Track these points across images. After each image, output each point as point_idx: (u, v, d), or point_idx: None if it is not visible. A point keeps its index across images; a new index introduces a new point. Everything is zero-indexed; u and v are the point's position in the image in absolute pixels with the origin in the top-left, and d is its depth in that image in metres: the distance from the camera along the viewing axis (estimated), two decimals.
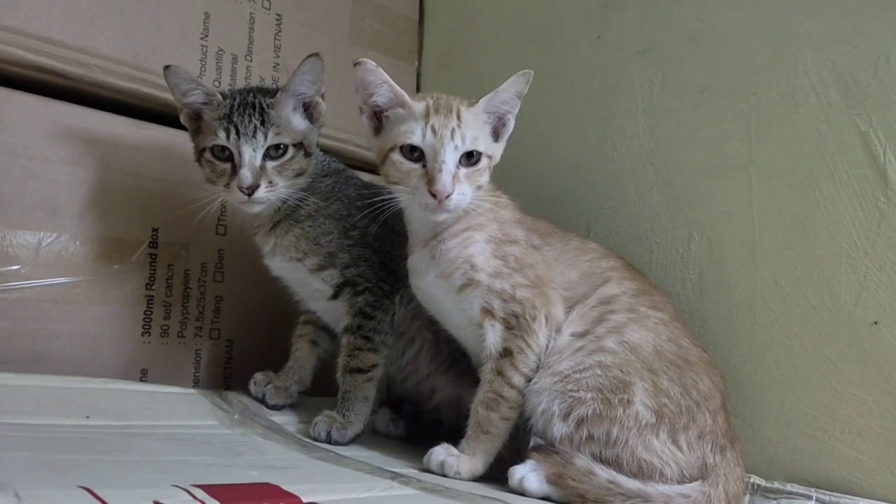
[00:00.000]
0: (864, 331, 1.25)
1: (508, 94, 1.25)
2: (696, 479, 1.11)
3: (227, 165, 1.28)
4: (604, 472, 1.10)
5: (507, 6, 1.90)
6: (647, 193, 1.56)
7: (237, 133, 1.25)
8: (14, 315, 1.26)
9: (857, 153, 1.29)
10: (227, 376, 1.56)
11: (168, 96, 1.44)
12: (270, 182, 1.27)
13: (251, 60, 1.63)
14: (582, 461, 1.12)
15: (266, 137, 1.27)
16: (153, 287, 1.44)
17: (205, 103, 1.30)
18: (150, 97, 1.46)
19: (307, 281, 1.40)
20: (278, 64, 1.69)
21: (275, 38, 1.68)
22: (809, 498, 1.23)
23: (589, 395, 1.15)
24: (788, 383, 1.33)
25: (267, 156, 1.28)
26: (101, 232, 1.37)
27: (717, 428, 1.15)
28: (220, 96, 1.29)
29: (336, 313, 1.41)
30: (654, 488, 1.08)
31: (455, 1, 2.05)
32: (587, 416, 1.14)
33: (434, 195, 1.17)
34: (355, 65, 1.22)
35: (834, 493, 1.22)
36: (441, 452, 1.21)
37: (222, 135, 1.26)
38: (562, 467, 1.12)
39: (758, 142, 1.41)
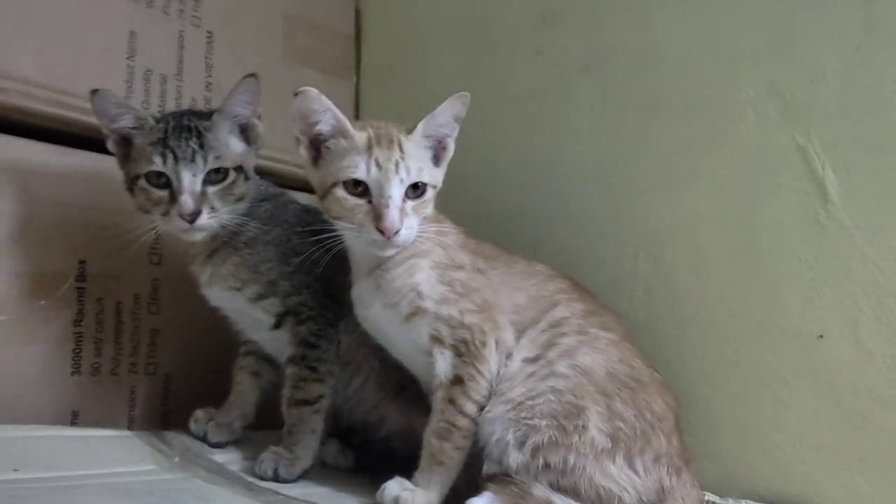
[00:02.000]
0: (810, 344, 1.26)
1: (445, 117, 1.22)
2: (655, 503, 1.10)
3: (165, 192, 1.21)
4: (562, 502, 1.08)
5: (447, 22, 1.88)
6: (593, 211, 1.55)
7: (175, 158, 1.19)
8: None
9: (797, 167, 1.30)
10: (165, 413, 1.48)
11: (94, 120, 1.37)
12: (212, 208, 1.22)
13: (182, 80, 1.56)
14: (540, 491, 1.09)
15: (206, 161, 1.21)
16: (82, 323, 1.36)
17: (135, 128, 1.23)
18: (73, 122, 1.38)
19: (247, 311, 1.34)
20: (210, 83, 1.62)
21: (206, 57, 1.62)
22: None
23: (544, 423, 1.12)
24: (739, 398, 1.33)
25: (207, 181, 1.23)
26: (25, 266, 1.29)
27: (672, 449, 1.14)
28: (152, 120, 1.23)
29: (279, 343, 1.36)
30: None
31: (393, 16, 2.02)
32: (543, 443, 1.11)
33: (382, 232, 1.14)
34: (296, 94, 1.17)
35: None
36: (394, 487, 1.16)
37: (158, 160, 1.20)
38: (519, 498, 1.09)
39: (701, 157, 1.41)
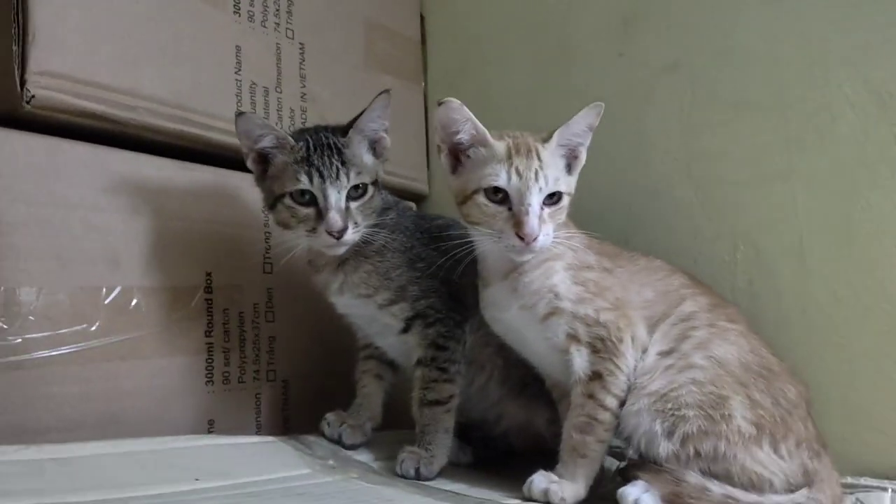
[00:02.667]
0: None
1: (580, 126, 1.26)
2: (802, 487, 1.15)
3: (311, 210, 1.25)
4: (718, 488, 1.13)
5: (517, 26, 1.91)
6: (687, 207, 1.61)
7: (321, 176, 1.23)
8: (87, 377, 1.19)
9: None
10: (285, 419, 1.52)
11: (212, 136, 1.41)
12: (356, 223, 1.25)
13: (281, 92, 1.59)
14: (695, 478, 1.14)
15: (349, 178, 1.25)
16: (212, 334, 1.39)
17: (276, 147, 1.26)
18: (193, 137, 1.40)
19: (376, 317, 1.37)
20: (305, 94, 1.65)
21: (300, 68, 1.64)
22: (885, 490, 1.30)
23: (691, 413, 1.17)
24: (849, 382, 1.39)
25: (349, 196, 1.26)
26: (161, 281, 1.31)
27: (810, 434, 1.20)
28: (291, 139, 1.25)
29: (404, 348, 1.40)
30: (769, 499, 1.12)
31: (457, 21, 2.05)
32: (692, 433, 1.16)
33: (522, 238, 1.18)
34: (439, 104, 1.21)
35: None
36: (541, 480, 1.21)
37: (304, 179, 1.23)
38: (675, 485, 1.14)
39: (797, 153, 1.48)
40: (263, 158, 1.28)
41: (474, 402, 1.46)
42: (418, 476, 1.28)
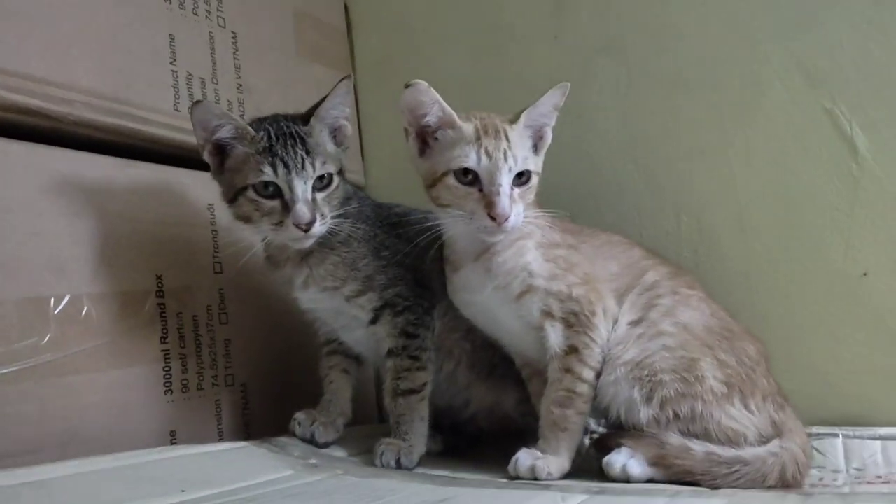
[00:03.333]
0: (855, 282, 1.43)
1: (546, 107, 1.28)
2: (773, 438, 1.21)
3: (276, 202, 1.19)
4: (699, 446, 1.17)
5: (448, 12, 1.91)
6: (629, 183, 1.66)
7: (286, 167, 1.18)
8: (42, 395, 1.09)
9: (826, 129, 1.46)
10: (246, 423, 1.45)
11: (151, 130, 1.33)
12: (322, 214, 1.21)
13: (217, 83, 1.51)
14: (676, 439, 1.18)
15: (314, 168, 1.20)
16: (167, 340, 1.31)
17: (234, 137, 1.20)
18: (132, 132, 1.32)
19: (343, 309, 1.33)
20: (241, 85, 1.58)
21: (234, 58, 1.57)
22: (836, 436, 1.39)
23: (667, 377, 1.21)
24: (793, 338, 1.48)
25: (314, 187, 1.21)
26: (111, 287, 1.22)
27: (772, 388, 1.27)
28: (251, 129, 1.20)
29: (372, 340, 1.36)
30: (748, 452, 1.17)
31: (382, 9, 2.02)
32: (670, 396, 1.20)
33: (494, 218, 1.18)
34: (407, 87, 1.19)
35: (855, 428, 1.39)
36: (527, 457, 1.22)
37: (268, 170, 1.17)
38: (659, 448, 1.18)
39: (732, 127, 1.56)
40: (220, 150, 1.21)
41: (443, 388, 1.45)
42: (399, 467, 1.26)
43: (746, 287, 1.53)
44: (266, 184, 1.19)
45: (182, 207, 1.38)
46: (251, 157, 1.19)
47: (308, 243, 1.23)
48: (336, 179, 1.25)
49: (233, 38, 1.57)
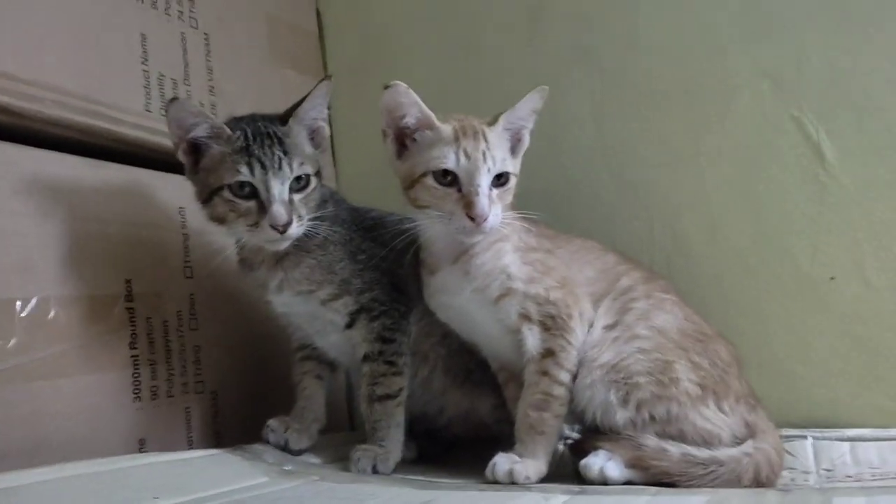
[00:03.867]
0: (823, 286, 1.46)
1: (525, 110, 1.28)
2: (746, 438, 1.23)
3: (252, 203, 1.17)
4: (675, 448, 1.17)
5: (421, 17, 1.91)
6: (602, 190, 1.67)
7: (262, 166, 1.16)
8: (7, 400, 1.05)
9: (794, 136, 1.50)
10: (216, 432, 1.42)
11: (122, 131, 1.31)
12: (300, 216, 1.19)
13: (189, 85, 1.49)
14: (652, 441, 1.18)
15: (291, 169, 1.18)
16: (136, 346, 1.27)
17: (210, 136, 1.18)
18: (102, 132, 1.29)
19: (318, 314, 1.32)
20: (213, 87, 1.56)
21: (206, 59, 1.55)
22: (805, 438, 1.41)
23: (643, 380, 1.21)
24: (763, 341, 1.51)
25: (291, 188, 1.20)
26: (78, 290, 1.19)
27: (744, 390, 1.28)
28: (227, 128, 1.18)
29: (347, 345, 1.35)
30: (722, 453, 1.17)
31: (355, 14, 2.02)
32: (646, 398, 1.20)
33: (473, 219, 1.18)
34: (386, 88, 1.19)
35: (823, 430, 1.41)
36: (504, 461, 1.21)
37: (245, 170, 1.15)
38: (636, 450, 1.18)
39: (702, 135, 1.58)
40: (195, 149, 1.19)
41: (417, 394, 1.43)
42: (375, 473, 1.24)
43: (718, 292, 1.55)
44: (242, 184, 1.17)
45: (152, 210, 1.35)
46: (227, 157, 1.17)
47: (284, 245, 1.21)
48: (314, 181, 1.23)
49: (205, 39, 1.55)
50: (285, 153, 1.18)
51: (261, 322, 1.48)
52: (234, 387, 1.46)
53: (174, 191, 1.39)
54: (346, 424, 1.77)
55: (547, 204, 1.69)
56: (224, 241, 1.27)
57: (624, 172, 1.65)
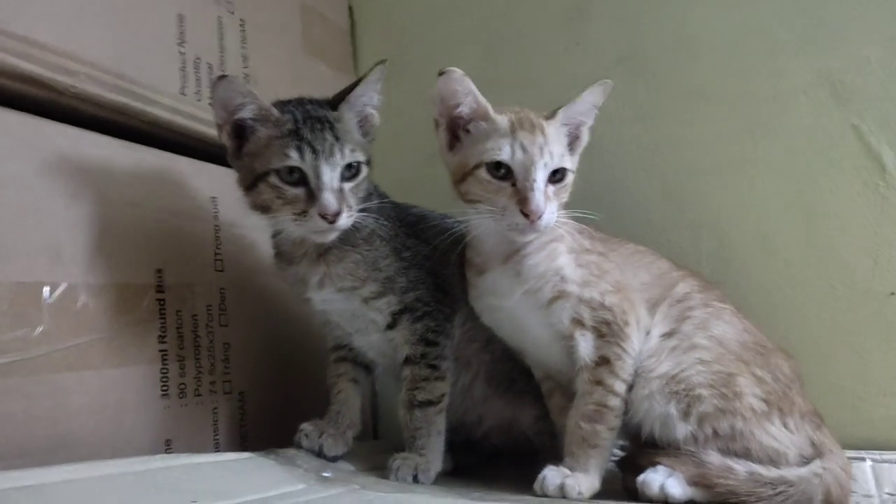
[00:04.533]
0: (883, 301, 1.40)
1: (585, 105, 1.22)
2: (812, 458, 1.15)
3: (300, 190, 1.10)
4: (741, 466, 1.10)
5: (457, 15, 1.86)
6: (646, 197, 1.61)
7: (313, 151, 1.09)
8: (30, 393, 0.97)
9: (853, 145, 1.44)
10: (242, 435, 1.33)
11: (156, 112, 1.24)
12: (349, 206, 1.12)
13: (224, 70, 1.42)
14: (716, 458, 1.11)
15: (343, 155, 1.11)
16: (165, 339, 1.19)
17: (257, 119, 1.11)
18: (136, 112, 1.22)
19: (359, 312, 1.24)
20: (248, 75, 1.49)
21: (241, 46, 1.49)
22: (863, 460, 1.34)
23: (705, 392, 1.14)
24: (819, 359, 1.43)
25: (342, 176, 1.12)
26: (109, 277, 1.11)
27: (809, 407, 1.21)
28: (276, 111, 1.11)
29: (388, 346, 1.27)
30: (791, 472, 1.10)
31: (388, 11, 1.96)
32: (709, 412, 1.13)
33: (527, 215, 1.11)
34: (440, 74, 1.13)
35: (883, 452, 1.34)
36: (555, 475, 1.14)
37: (294, 154, 1.08)
38: (699, 467, 1.11)
39: (754, 141, 1.52)
40: (240, 132, 1.12)
41: (456, 403, 1.35)
42: (416, 483, 1.16)
43: (768, 305, 1.48)
44: (291, 169, 1.10)
45: (184, 198, 1.28)
46: (275, 141, 1.10)
47: (332, 237, 1.14)
48: (364, 169, 1.17)
49: (241, 25, 1.48)
50: (337, 138, 1.11)
51: (291, 320, 1.42)
52: (261, 388, 1.38)
53: (207, 180, 1.33)
54: (368, 433, 1.68)
55: (587, 207, 1.63)
56: (255, 235, 1.19)
57: (668, 178, 1.59)
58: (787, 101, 1.49)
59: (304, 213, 1.10)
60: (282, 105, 1.15)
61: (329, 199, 1.08)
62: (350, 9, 1.97)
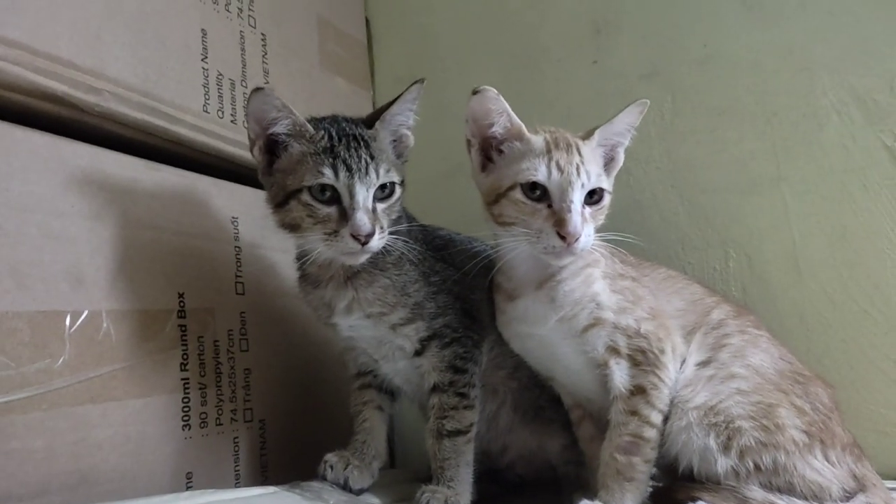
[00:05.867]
0: None
1: (622, 125, 1.19)
2: (856, 492, 1.12)
3: (332, 209, 1.06)
4: (783, 501, 1.07)
5: (477, 30, 1.83)
6: (672, 216, 1.58)
7: (348, 170, 1.05)
8: (52, 427, 0.93)
9: (886, 166, 1.41)
10: (263, 465, 1.29)
11: (179, 131, 1.20)
12: (381, 227, 1.08)
13: (246, 87, 1.39)
14: (759, 493, 1.07)
15: (377, 175, 1.07)
16: (187, 367, 1.15)
17: (291, 134, 1.07)
18: (160, 131, 1.18)
19: (386, 339, 1.20)
20: None
21: (262, 61, 1.45)
22: None
23: (746, 424, 1.10)
24: (851, 385, 1.40)
25: (375, 196, 1.09)
26: (131, 303, 1.07)
27: (850, 438, 1.18)
28: (310, 127, 1.07)
29: (413, 374, 1.23)
30: None
31: (405, 25, 1.93)
32: (750, 445, 1.09)
33: (564, 237, 1.07)
34: (474, 93, 1.09)
35: None
36: None
37: (329, 172, 1.04)
38: (741, 502, 1.07)
39: (785, 159, 1.49)
40: (273, 147, 1.08)
41: (482, 431, 1.30)
42: None
43: (801, 330, 1.45)
44: (324, 187, 1.06)
45: (205, 219, 1.24)
46: (309, 157, 1.06)
47: (362, 259, 1.10)
48: (398, 190, 1.13)
49: (262, 40, 1.45)
50: (372, 157, 1.08)
51: (311, 344, 1.38)
52: (282, 415, 1.34)
53: (228, 199, 1.29)
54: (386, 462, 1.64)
55: (613, 228, 1.61)
56: (276, 256, 1.16)
57: (696, 197, 1.56)
58: (819, 120, 1.46)
59: (335, 232, 1.06)
60: (316, 122, 1.12)
61: (363, 220, 1.05)
62: (367, 21, 1.93)
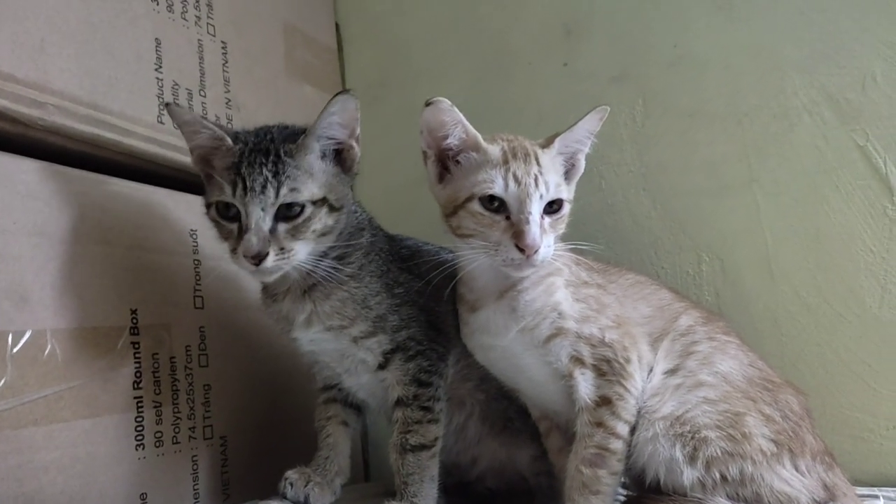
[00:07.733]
0: (892, 330, 1.34)
1: (582, 132, 1.16)
2: (826, 502, 1.09)
3: (234, 226, 1.04)
4: None
5: (447, 34, 1.80)
6: (644, 220, 1.55)
7: (244, 188, 1.02)
8: None
9: (859, 166, 1.38)
10: (224, 483, 1.26)
11: (131, 143, 1.18)
12: (282, 248, 1.03)
13: (205, 96, 1.36)
14: None
15: (277, 194, 1.03)
16: (140, 385, 1.13)
17: (213, 147, 1.05)
18: (110, 144, 1.16)
19: (348, 352, 1.17)
20: (230, 100, 1.43)
21: (223, 70, 1.42)
22: (876, 497, 1.28)
23: (712, 434, 1.08)
24: (826, 389, 1.38)
25: (279, 216, 1.04)
26: (79, 321, 1.05)
27: (820, 446, 1.15)
28: (229, 140, 1.04)
29: (377, 387, 1.21)
30: None
31: (376, 30, 1.91)
32: (716, 455, 1.07)
33: (522, 250, 1.05)
34: (427, 104, 1.06)
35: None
36: None
37: (228, 189, 1.02)
38: None
39: (757, 161, 1.46)
40: (206, 160, 1.06)
41: (450, 443, 1.29)
42: None
43: (775, 333, 1.43)
44: (227, 205, 1.04)
45: (161, 232, 1.22)
46: (224, 172, 1.04)
47: (268, 278, 1.07)
48: (309, 209, 1.06)
49: (223, 47, 1.42)
50: (275, 175, 1.03)
51: (275, 357, 1.36)
52: (244, 431, 1.31)
53: (186, 212, 1.27)
54: (359, 475, 1.62)
55: (583, 234, 1.57)
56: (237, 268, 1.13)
57: (669, 201, 1.53)
58: (791, 121, 1.44)
59: (234, 250, 1.04)
60: (244, 133, 1.09)
61: (250, 241, 1.01)
62: (337, 27, 1.91)
